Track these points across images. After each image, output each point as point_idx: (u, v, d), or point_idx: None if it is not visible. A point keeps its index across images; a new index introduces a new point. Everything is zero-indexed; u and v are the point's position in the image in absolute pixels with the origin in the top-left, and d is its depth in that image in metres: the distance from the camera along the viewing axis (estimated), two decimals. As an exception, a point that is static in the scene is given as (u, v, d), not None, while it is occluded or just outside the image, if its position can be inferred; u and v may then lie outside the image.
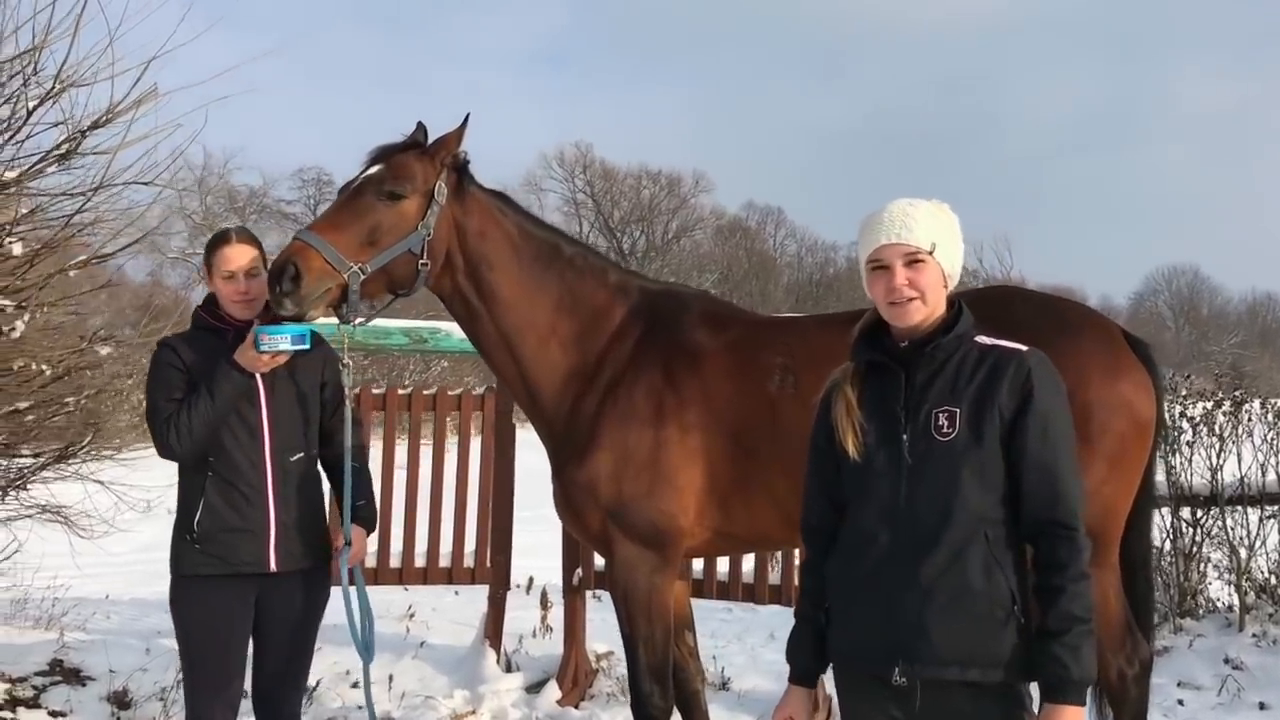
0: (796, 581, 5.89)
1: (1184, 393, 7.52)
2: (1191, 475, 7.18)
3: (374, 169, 3.87)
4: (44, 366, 5.40)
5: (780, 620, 7.77)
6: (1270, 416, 7.22)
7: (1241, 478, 7.01)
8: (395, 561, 6.53)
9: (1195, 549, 7.19)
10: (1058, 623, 2.60)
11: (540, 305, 4.06)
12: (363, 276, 3.75)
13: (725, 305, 4.39)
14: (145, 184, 5.85)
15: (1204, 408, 7.27)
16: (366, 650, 3.94)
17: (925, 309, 2.75)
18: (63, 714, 5.52)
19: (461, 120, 3.96)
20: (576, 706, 6.13)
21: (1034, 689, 2.72)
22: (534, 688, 6.27)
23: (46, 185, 5.80)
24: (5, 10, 5.55)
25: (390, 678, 6.23)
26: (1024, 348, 2.75)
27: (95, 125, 5.64)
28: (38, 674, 5.83)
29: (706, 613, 7.65)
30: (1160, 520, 7.07)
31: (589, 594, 6.61)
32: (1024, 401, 2.67)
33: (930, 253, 2.74)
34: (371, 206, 3.81)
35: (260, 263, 3.83)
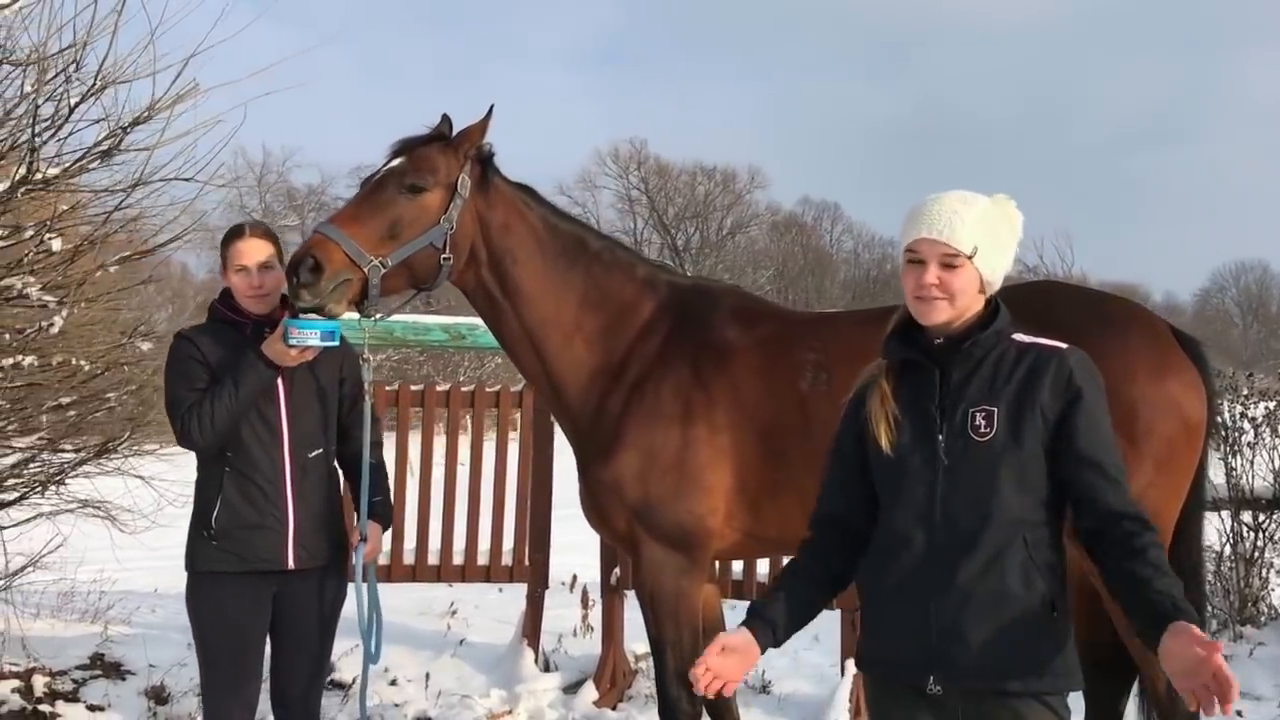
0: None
1: (1245, 392, 7.28)
2: (1253, 478, 6.94)
3: (396, 161, 3.81)
4: (83, 362, 5.42)
5: (824, 622, 7.57)
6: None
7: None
8: (434, 559, 6.50)
9: (1257, 554, 6.95)
10: (1173, 586, 2.40)
11: (565, 300, 3.98)
12: (383, 270, 3.69)
13: (757, 300, 4.28)
14: (187, 180, 5.87)
15: (1266, 407, 7.03)
16: (376, 650, 3.87)
17: (952, 310, 2.63)
18: (101, 708, 5.55)
19: (485, 112, 3.88)
20: (614, 708, 6.06)
21: (1073, 699, 2.61)
22: (571, 688, 6.21)
23: (89, 181, 5.84)
24: (48, 9, 5.59)
25: (427, 676, 6.20)
26: (1063, 346, 2.63)
27: (136, 122, 5.65)
28: (78, 668, 5.87)
29: (749, 614, 7.55)
30: (1220, 524, 6.86)
31: (627, 593, 6.53)
32: (1071, 402, 2.55)
33: (970, 257, 2.60)
34: (393, 200, 3.75)
35: (275, 257, 3.79)
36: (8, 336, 5.34)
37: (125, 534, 6.52)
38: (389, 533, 6.13)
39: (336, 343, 3.67)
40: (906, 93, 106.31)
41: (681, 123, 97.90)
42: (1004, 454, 2.55)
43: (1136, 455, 3.45)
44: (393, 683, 6.23)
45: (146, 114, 5.65)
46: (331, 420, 3.92)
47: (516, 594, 7.69)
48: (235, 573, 3.70)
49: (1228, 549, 6.96)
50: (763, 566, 6.16)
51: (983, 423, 2.58)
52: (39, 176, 5.32)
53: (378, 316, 3.81)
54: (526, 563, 6.49)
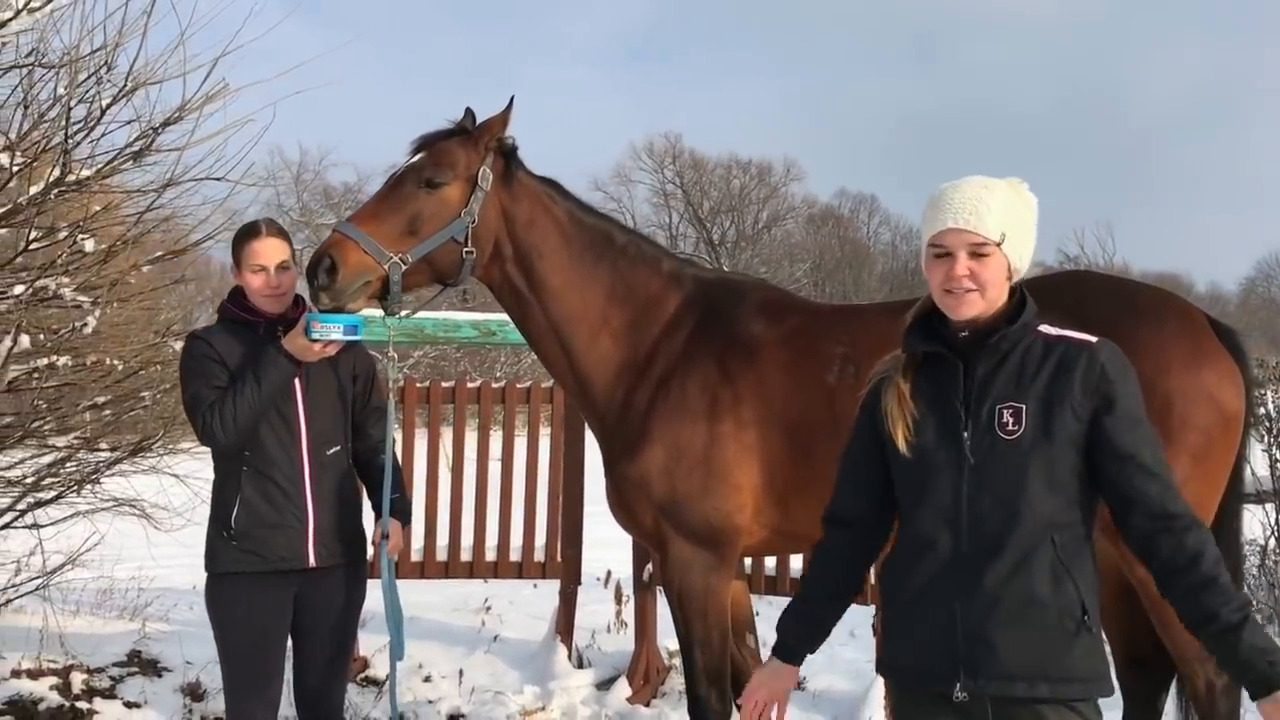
0: (873, 580, 5.78)
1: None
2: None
3: (416, 157, 3.79)
4: (116, 361, 5.46)
5: (860, 618, 7.55)
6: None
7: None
8: (466, 555, 6.50)
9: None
10: (1235, 613, 2.35)
11: (592, 295, 3.94)
12: (404, 267, 3.66)
13: (783, 294, 4.22)
14: (218, 179, 5.91)
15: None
16: (398, 647, 3.86)
17: (983, 303, 2.54)
18: (137, 705, 5.59)
19: (506, 103, 3.84)
20: (647, 705, 6.04)
21: (1103, 704, 2.53)
22: (605, 684, 6.19)
23: (120, 182, 5.89)
24: (80, 11, 5.63)
25: (460, 672, 6.21)
26: (1093, 339, 2.54)
27: (168, 122, 5.69)
28: (115, 665, 5.92)
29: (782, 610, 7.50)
30: (1265, 517, 6.73)
31: (659, 589, 6.51)
32: (1105, 399, 2.47)
33: (999, 244, 2.52)
34: (412, 195, 3.72)
35: (290, 256, 3.79)
36: (43, 337, 5.39)
37: (161, 532, 6.57)
38: (422, 529, 6.18)
39: (359, 337, 3.66)
40: (943, 83, 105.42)
41: (716, 116, 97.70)
42: (1033, 452, 2.46)
43: (1172, 448, 3.35)
44: (426, 679, 6.25)
45: (177, 114, 5.68)
46: (347, 417, 3.92)
47: (550, 590, 7.69)
48: (256, 573, 3.69)
49: (1272, 542, 6.83)
50: (795, 561, 6.11)
51: (1010, 420, 2.49)
52: (72, 178, 5.37)
53: (403, 313, 3.79)
54: (559, 559, 6.48)
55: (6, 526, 5.81)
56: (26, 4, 4.92)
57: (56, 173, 5.26)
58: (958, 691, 2.47)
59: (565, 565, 6.48)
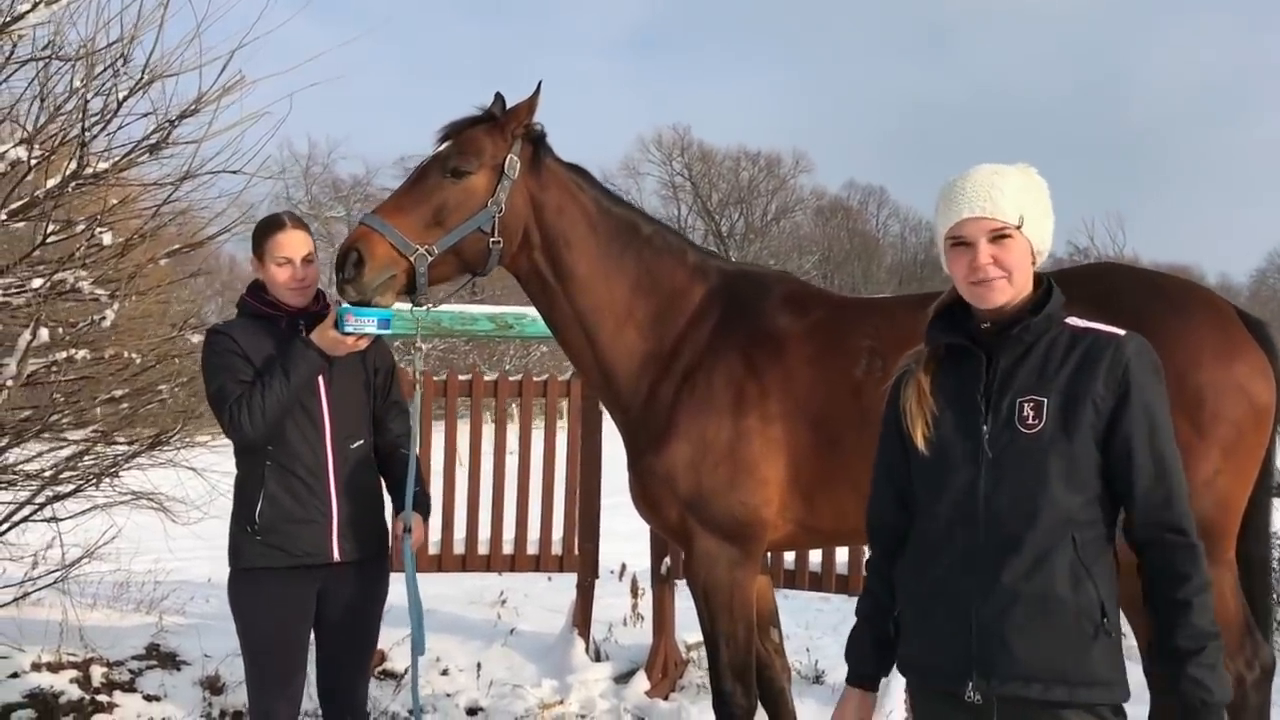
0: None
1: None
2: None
3: (443, 146, 3.76)
4: (134, 355, 5.45)
5: (878, 611, 7.56)
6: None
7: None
8: (483, 549, 6.49)
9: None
10: (1190, 641, 2.36)
11: (618, 285, 3.90)
12: (430, 259, 3.64)
13: (807, 287, 4.18)
14: (234, 172, 5.90)
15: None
16: (420, 642, 3.83)
17: (1012, 289, 2.50)
18: (157, 698, 5.60)
19: (534, 89, 3.79)
20: (665, 698, 6.02)
21: (1128, 708, 2.49)
22: (623, 678, 6.18)
23: (137, 175, 5.88)
24: (95, 3, 5.62)
25: (478, 665, 6.21)
26: (1121, 332, 2.48)
27: (184, 115, 5.67)
28: (134, 658, 5.92)
29: (802, 604, 7.48)
30: (1282, 510, 6.68)
31: (678, 582, 6.49)
32: (1123, 394, 2.41)
33: (1018, 227, 2.48)
34: (437, 185, 3.69)
35: (313, 249, 3.78)
36: (61, 330, 5.38)
37: (178, 525, 6.57)
38: (440, 522, 6.17)
39: (391, 330, 3.65)
40: (952, 74, 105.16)
41: (724, 108, 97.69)
42: (1053, 448, 2.42)
43: (1203, 442, 3.35)
44: (444, 672, 6.25)
45: (194, 107, 5.66)
46: (370, 410, 3.91)
47: (565, 583, 7.68)
48: (280, 568, 3.68)
49: (1290, 535, 6.77)
50: (815, 556, 6.09)
51: (1031, 414, 2.45)
52: (89, 171, 5.36)
53: (429, 306, 3.77)
54: (576, 552, 6.47)
55: (26, 520, 5.81)
56: (44, -4, 4.91)
57: (73, 166, 5.25)
58: (970, 692, 2.44)
59: (582, 558, 6.47)
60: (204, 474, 6.25)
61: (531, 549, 6.52)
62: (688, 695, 6.08)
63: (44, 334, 5.18)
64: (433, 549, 6.28)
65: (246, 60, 5.62)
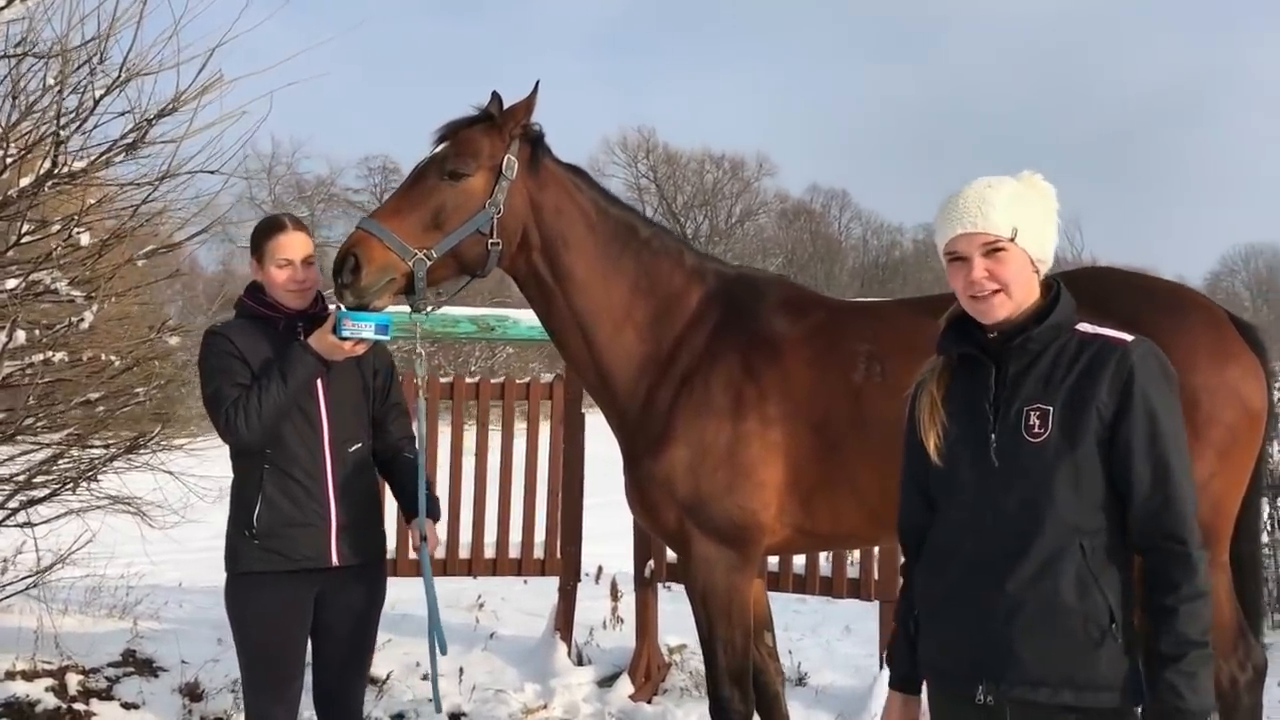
0: (875, 575, 5.77)
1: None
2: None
3: (440, 148, 3.73)
4: (113, 357, 5.37)
5: (856, 613, 7.59)
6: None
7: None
8: (464, 552, 6.44)
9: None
10: (1171, 647, 2.37)
11: (616, 287, 3.88)
12: (429, 262, 3.61)
13: (803, 290, 4.18)
14: (212, 172, 5.81)
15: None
16: (442, 646, 3.80)
17: (1010, 302, 2.52)
18: (135, 706, 5.50)
19: (531, 88, 3.76)
20: (650, 701, 6.01)
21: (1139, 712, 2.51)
22: (606, 681, 6.15)
23: (114, 175, 5.79)
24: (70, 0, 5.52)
25: (460, 670, 6.15)
26: (1129, 337, 2.48)
27: (162, 114, 5.59)
28: (111, 665, 5.82)
29: (780, 605, 7.45)
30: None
31: (659, 585, 6.47)
32: (1125, 400, 2.41)
33: (1012, 239, 2.48)
34: (435, 188, 3.65)
35: (313, 251, 3.74)
36: (37, 332, 5.29)
37: (154, 529, 6.47)
38: (410, 526, 6.11)
39: (389, 336, 3.62)
40: (914, 79, 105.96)
41: (689, 110, 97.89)
42: (1059, 456, 2.43)
43: (1199, 445, 3.37)
44: (424, 677, 6.18)
45: (172, 106, 5.59)
46: (369, 414, 3.87)
47: (542, 586, 7.65)
48: (278, 572, 3.63)
49: (1265, 536, 6.88)
50: (799, 558, 6.09)
51: (1037, 422, 2.45)
52: (64, 170, 5.27)
53: (429, 309, 3.74)
54: (558, 555, 6.43)
55: (-1, 524, 5.71)
56: (18, -9, 4.82)
57: (48, 165, 5.16)
58: (980, 695, 2.47)
59: (565, 561, 6.43)
60: (181, 478, 6.16)
61: (514, 552, 6.47)
62: (671, 698, 6.07)
63: (20, 336, 5.09)
64: (413, 553, 6.22)
65: (222, 61, 5.56)
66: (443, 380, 6.53)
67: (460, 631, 6.79)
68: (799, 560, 6.08)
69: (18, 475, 5.77)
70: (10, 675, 5.45)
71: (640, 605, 6.26)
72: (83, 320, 5.17)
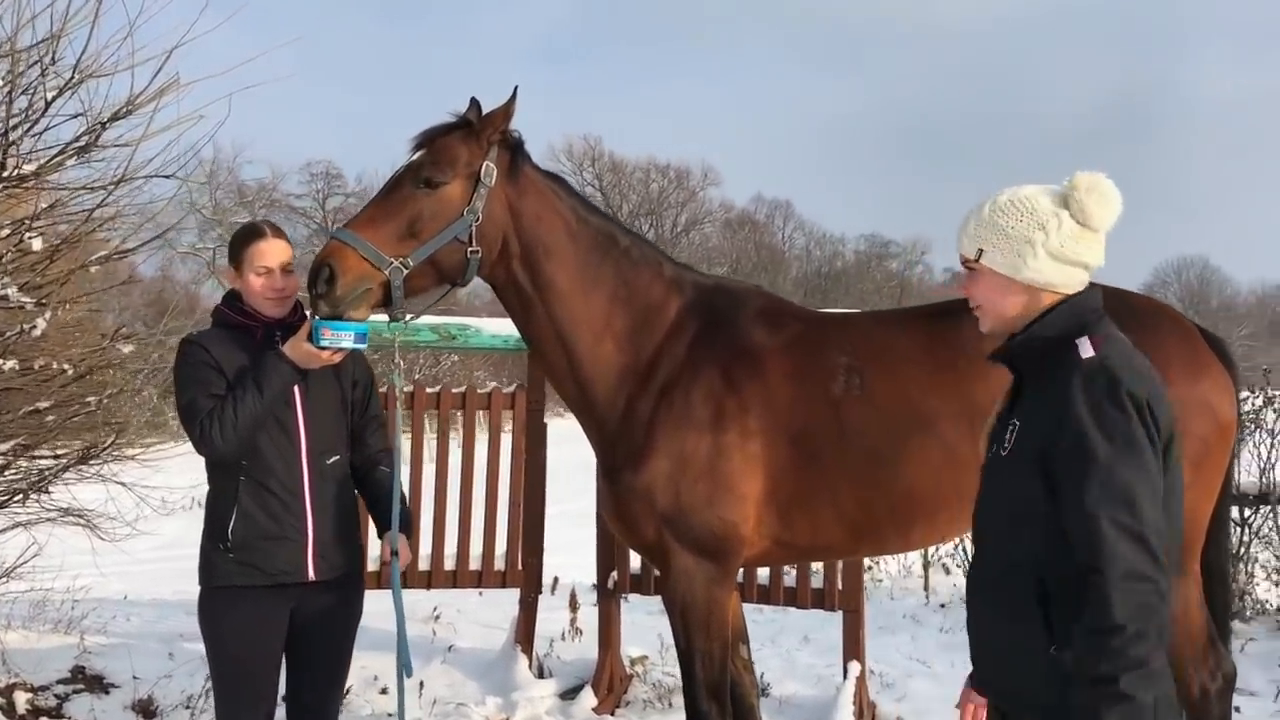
0: (839, 585, 5.78)
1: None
2: (1239, 473, 6.98)
3: (417, 155, 3.66)
4: (65, 365, 5.22)
5: (813, 623, 7.60)
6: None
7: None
8: (424, 564, 6.34)
9: (1243, 549, 7.01)
10: (1069, 664, 2.24)
11: (596, 296, 3.83)
12: (405, 271, 3.54)
13: (781, 301, 4.16)
14: (167, 177, 5.69)
15: (1254, 404, 7.08)
16: (408, 668, 3.73)
17: (990, 319, 2.55)
18: (87, 724, 5.35)
19: (510, 95, 3.71)
20: (612, 713, 5.96)
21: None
22: (568, 694, 6.10)
23: (66, 179, 5.64)
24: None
25: (420, 684, 6.06)
26: (1088, 355, 2.37)
27: (116, 117, 5.46)
28: (59, 681, 5.66)
29: (738, 615, 7.48)
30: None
31: (624, 598, 6.43)
32: (1061, 419, 2.31)
33: (976, 259, 2.50)
34: (411, 196, 3.59)
35: (292, 259, 3.67)
36: (-13, 340, 5.13)
37: (105, 541, 6.31)
38: (381, 540, 6.01)
39: (366, 345, 3.55)
40: (859, 91, 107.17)
41: (635, 119, 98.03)
42: (1012, 475, 2.42)
43: (1174, 457, 3.42)
44: (383, 691, 6.11)
45: (126, 109, 5.47)
46: (347, 425, 3.79)
47: (500, 597, 7.57)
48: (254, 586, 3.54)
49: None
50: (763, 570, 6.08)
51: (1010, 438, 2.45)
52: (15, 173, 5.13)
53: (408, 318, 3.68)
54: (520, 567, 6.35)
55: (-58, 538, 5.53)
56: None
57: (-4, 167, 5.03)
58: (993, 696, 2.55)
59: (526, 573, 6.36)
60: (134, 488, 6.01)
61: (474, 564, 6.38)
62: (635, 710, 6.04)
63: (-31, 344, 4.94)
64: (372, 565, 6.10)
65: (175, 65, 5.44)
66: (405, 390, 6.43)
67: (418, 644, 6.68)
68: (763, 570, 6.06)
69: (-38, 487, 5.60)
70: (-45, 693, 5.28)
71: (603, 617, 6.22)
72: (35, 328, 5.03)
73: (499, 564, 6.39)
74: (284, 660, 3.71)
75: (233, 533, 3.51)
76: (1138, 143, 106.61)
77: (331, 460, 3.68)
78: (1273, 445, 6.95)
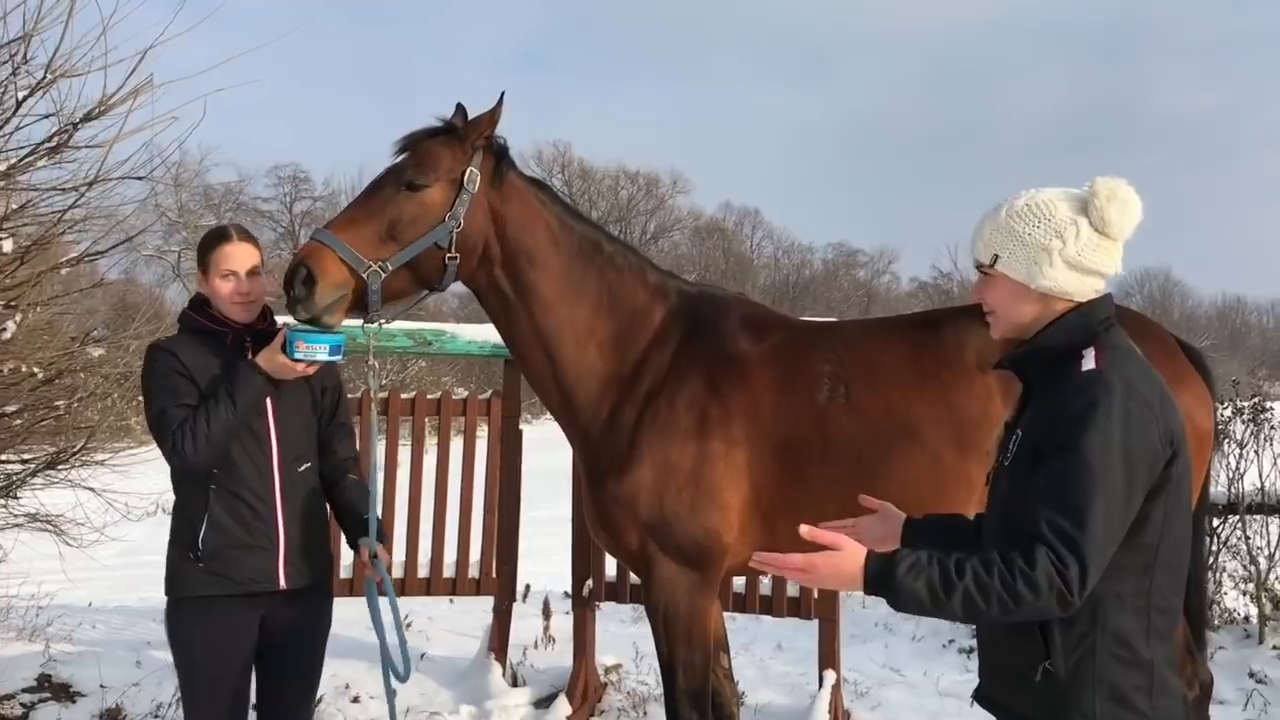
0: (815, 593, 5.78)
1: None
2: (1207, 483, 7.04)
3: (399, 158, 3.63)
4: (35, 369, 5.15)
5: (786, 631, 7.61)
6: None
7: (1261, 486, 6.89)
8: (398, 572, 6.28)
9: (1210, 558, 7.06)
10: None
11: (580, 304, 3.81)
12: (383, 275, 3.50)
13: (765, 309, 4.16)
14: (141, 178, 5.63)
15: (1223, 415, 7.15)
16: (401, 673, 3.68)
17: (1001, 325, 2.51)
18: (53, 733, 5.27)
19: (497, 100, 3.68)
20: (587, 722, 5.93)
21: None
22: (542, 702, 6.05)
23: (37, 180, 5.57)
24: (-12, -2, 5.30)
25: (394, 693, 5.99)
26: (1088, 370, 2.31)
27: (88, 117, 5.41)
28: (25, 690, 5.57)
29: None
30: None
31: (598, 606, 6.40)
32: (1051, 426, 2.29)
33: (991, 265, 2.45)
34: (391, 199, 3.55)
35: (261, 262, 3.60)
36: (-46, 343, 5.06)
37: (72, 547, 6.21)
38: (353, 548, 5.95)
39: (341, 357, 3.50)
40: (826, 100, 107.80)
41: (605, 126, 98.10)
42: (1012, 485, 2.38)
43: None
44: (355, 700, 6.04)
45: (99, 109, 5.40)
46: (315, 432, 3.74)
47: (471, 605, 7.51)
48: (224, 596, 3.47)
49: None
50: (738, 577, 6.07)
51: (1013, 448, 2.43)
52: (-18, 174, 5.06)
53: (382, 322, 3.64)
54: (494, 575, 6.31)
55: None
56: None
57: (-38, 168, 4.96)
58: (997, 713, 2.54)
59: (500, 581, 6.32)
60: (102, 494, 5.92)
61: (448, 572, 6.33)
62: (609, 719, 6.00)
63: (-64, 346, 4.87)
64: (345, 573, 6.06)
65: (151, 65, 5.38)
66: (380, 396, 6.37)
67: (390, 652, 6.63)
68: (738, 579, 6.05)
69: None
70: (-82, 703, 5.18)
71: (578, 625, 6.18)
72: (4, 330, 4.96)
73: (473, 571, 6.34)
74: (255, 670, 3.65)
75: (204, 542, 3.44)
76: (1100, 154, 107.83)
77: (303, 467, 3.63)
78: (1241, 456, 7.02)
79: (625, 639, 6.96)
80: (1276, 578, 6.97)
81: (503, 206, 3.72)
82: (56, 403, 5.59)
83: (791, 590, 5.94)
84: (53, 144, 5.45)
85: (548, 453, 8.27)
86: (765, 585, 5.96)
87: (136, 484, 6.71)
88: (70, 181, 5.48)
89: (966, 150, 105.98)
